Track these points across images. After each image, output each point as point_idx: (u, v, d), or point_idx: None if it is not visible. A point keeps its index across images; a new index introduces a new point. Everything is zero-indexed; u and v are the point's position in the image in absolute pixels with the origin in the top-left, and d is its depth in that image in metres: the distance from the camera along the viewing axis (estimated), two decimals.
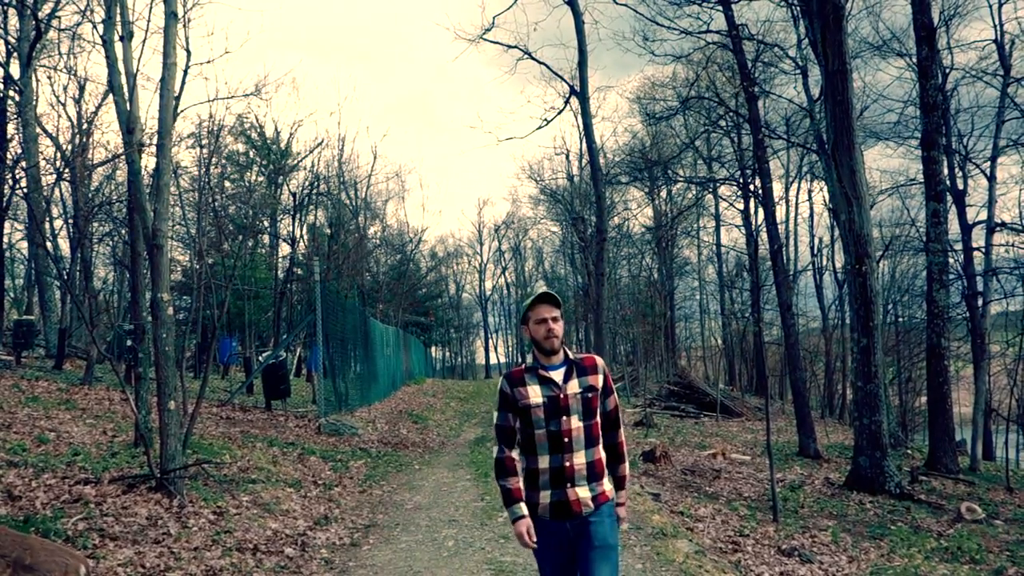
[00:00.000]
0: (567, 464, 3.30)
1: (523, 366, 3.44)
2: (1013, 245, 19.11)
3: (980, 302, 17.58)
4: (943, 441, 13.41)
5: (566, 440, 3.27)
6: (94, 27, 9.22)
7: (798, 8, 15.36)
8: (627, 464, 3.58)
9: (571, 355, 3.41)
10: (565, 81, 19.75)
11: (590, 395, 3.32)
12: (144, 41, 9.04)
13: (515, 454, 3.40)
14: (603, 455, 3.42)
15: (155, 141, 8.01)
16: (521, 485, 3.41)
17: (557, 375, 3.34)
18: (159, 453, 7.37)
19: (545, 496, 3.34)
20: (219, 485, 7.95)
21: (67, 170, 17.17)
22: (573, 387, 3.31)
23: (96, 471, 7.52)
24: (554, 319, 3.34)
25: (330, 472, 10.25)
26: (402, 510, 8.57)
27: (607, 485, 3.43)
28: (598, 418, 3.38)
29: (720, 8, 17.03)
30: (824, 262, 33.84)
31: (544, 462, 3.33)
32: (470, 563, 6.34)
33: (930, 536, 8.23)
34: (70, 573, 2.51)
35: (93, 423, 10.12)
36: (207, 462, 8.43)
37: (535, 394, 3.31)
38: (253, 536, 6.61)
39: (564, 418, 3.27)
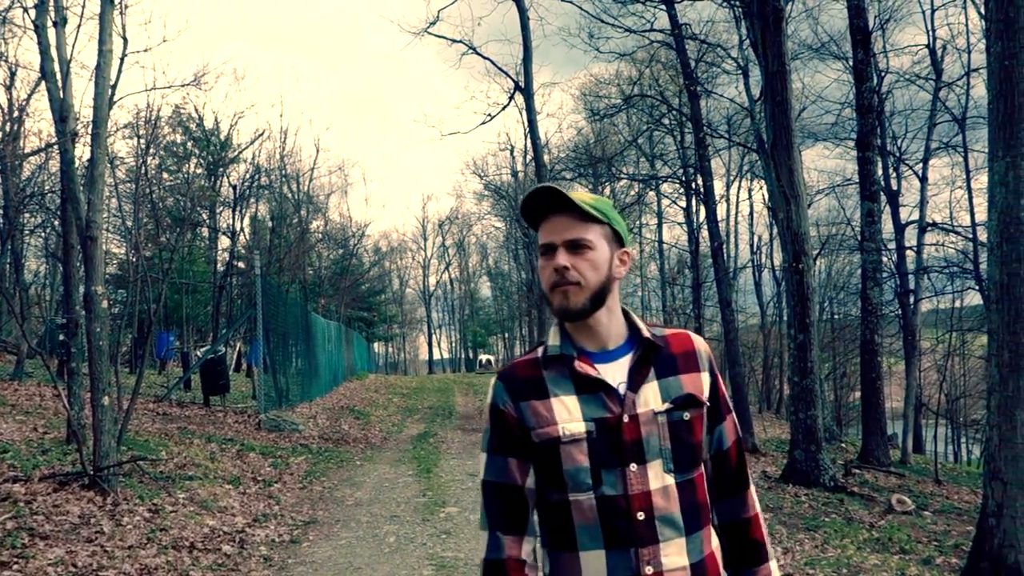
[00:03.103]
0: (647, 573, 1.61)
1: (537, 351, 1.76)
2: (943, 245, 19.72)
3: (912, 300, 18.09)
4: (875, 435, 13.76)
5: (640, 517, 1.60)
6: (25, 11, 8.96)
7: (740, 9, 15.60)
8: (773, 565, 1.80)
9: (644, 328, 1.73)
10: (510, 77, 19.75)
11: (687, 415, 1.67)
12: (79, 27, 8.83)
13: (528, 551, 1.68)
14: (716, 545, 1.74)
15: (90, 130, 7.81)
16: None
17: (613, 371, 1.68)
18: (92, 450, 7.21)
19: None
20: (155, 482, 7.80)
21: None
22: (650, 397, 1.66)
23: (26, 469, 7.32)
24: (573, 245, 1.65)
25: (270, 468, 10.13)
26: (343, 506, 8.51)
27: None
28: (703, 465, 1.72)
29: (664, 7, 17.20)
30: (763, 260, 34.49)
31: (595, 566, 1.63)
32: (411, 559, 6.32)
33: (862, 527, 8.44)
34: None
35: (23, 419, 9.84)
36: (142, 459, 8.27)
37: (568, 414, 1.64)
38: (190, 534, 6.50)
39: (632, 468, 1.62)
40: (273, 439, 12.68)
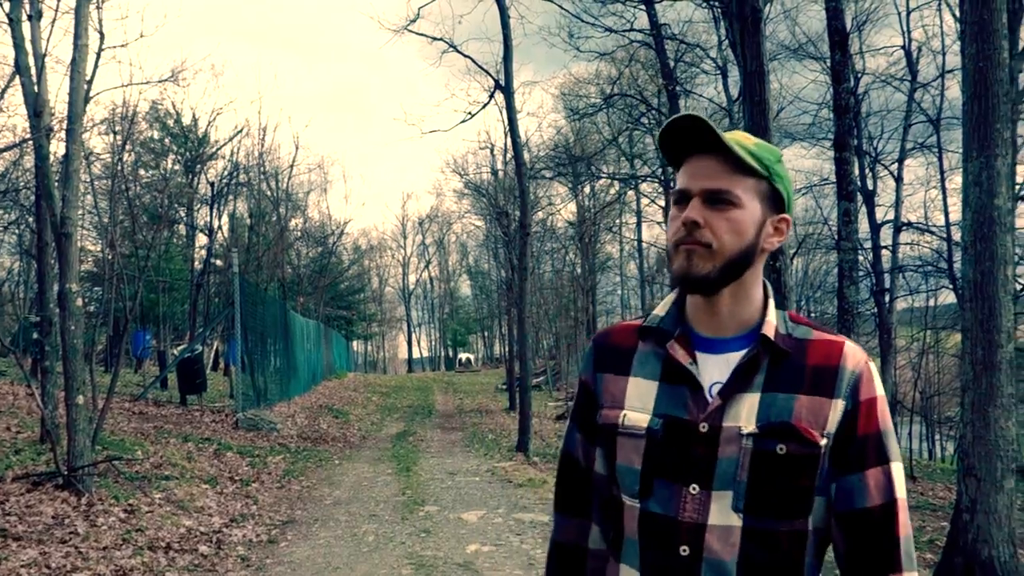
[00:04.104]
0: None
1: (641, 319, 1.46)
2: (918, 244, 19.92)
3: (887, 298, 18.24)
4: None
5: (683, 552, 1.28)
6: (0, 5, 8.86)
7: (719, 10, 15.67)
8: None
9: (771, 323, 1.33)
10: (490, 75, 19.70)
11: (783, 449, 1.25)
12: (54, 21, 8.74)
13: (596, 538, 1.48)
14: None
15: (65, 126, 7.72)
16: None
17: (715, 366, 1.33)
18: (66, 450, 7.13)
19: None
20: (130, 482, 7.73)
21: None
22: (743, 411, 1.28)
23: None
24: (714, 198, 1.28)
25: (247, 468, 10.06)
26: (321, 505, 8.47)
27: None
28: (808, 522, 1.28)
29: (643, 7, 17.25)
30: None
31: None
32: (390, 558, 6.31)
33: None
34: None
35: None
36: (117, 459, 8.19)
37: (639, 401, 1.36)
38: (166, 534, 6.45)
39: (692, 490, 1.29)
40: (251, 438, 12.60)
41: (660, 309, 1.42)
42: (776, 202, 1.34)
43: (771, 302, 1.37)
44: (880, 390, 1.31)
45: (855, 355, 1.31)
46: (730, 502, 1.26)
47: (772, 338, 1.31)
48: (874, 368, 1.33)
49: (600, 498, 1.45)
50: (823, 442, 1.26)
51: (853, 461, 1.28)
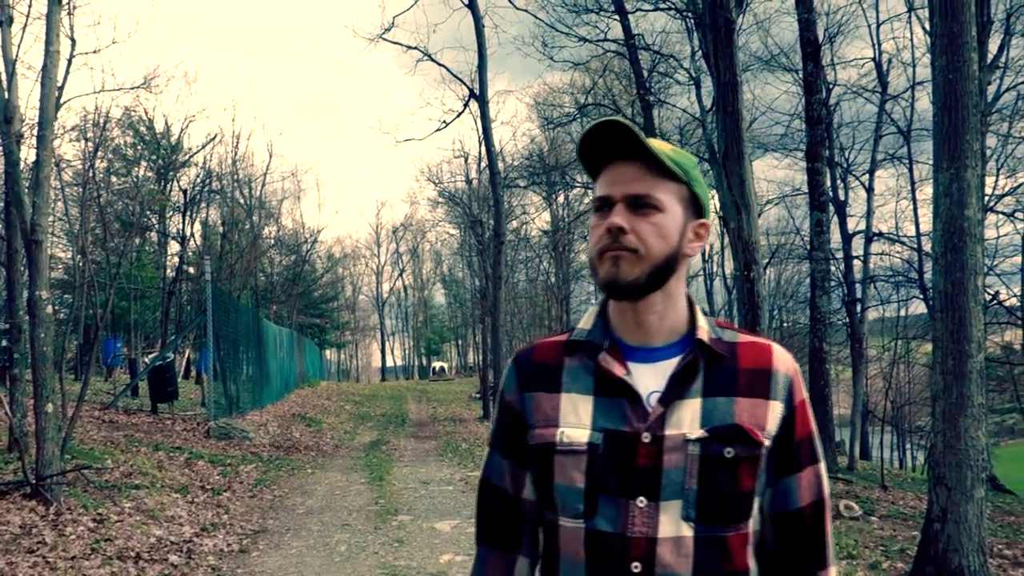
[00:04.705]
0: None
1: (566, 334, 1.41)
2: (889, 254, 20.19)
3: (859, 308, 18.44)
4: (823, 441, 13.96)
5: (635, 569, 1.23)
6: None
7: (692, 21, 15.80)
8: None
9: (704, 328, 1.33)
10: (465, 84, 19.75)
11: (730, 453, 1.25)
12: (25, 27, 8.65)
13: (522, 571, 1.40)
14: None
15: (35, 132, 7.65)
16: None
17: (651, 375, 1.30)
18: (35, 458, 7.04)
19: None
20: (100, 491, 7.63)
21: None
22: (686, 417, 1.27)
23: None
24: (637, 203, 1.27)
25: (219, 477, 9.97)
26: (293, 515, 8.41)
27: None
28: (749, 525, 1.29)
29: (617, 17, 17.36)
30: (714, 268, 34.90)
31: None
32: (363, 568, 6.27)
33: None
34: None
35: None
36: (87, 467, 8.09)
37: (576, 417, 1.31)
38: (135, 544, 6.37)
39: (640, 503, 1.25)
40: (223, 447, 12.49)
41: (585, 323, 1.39)
42: (696, 207, 1.34)
43: (698, 308, 1.36)
44: (806, 392, 1.35)
45: (784, 359, 1.34)
46: (680, 512, 1.24)
47: (708, 342, 1.30)
48: (799, 370, 1.36)
49: (530, 525, 1.40)
50: (767, 443, 1.28)
51: (790, 463, 1.32)
